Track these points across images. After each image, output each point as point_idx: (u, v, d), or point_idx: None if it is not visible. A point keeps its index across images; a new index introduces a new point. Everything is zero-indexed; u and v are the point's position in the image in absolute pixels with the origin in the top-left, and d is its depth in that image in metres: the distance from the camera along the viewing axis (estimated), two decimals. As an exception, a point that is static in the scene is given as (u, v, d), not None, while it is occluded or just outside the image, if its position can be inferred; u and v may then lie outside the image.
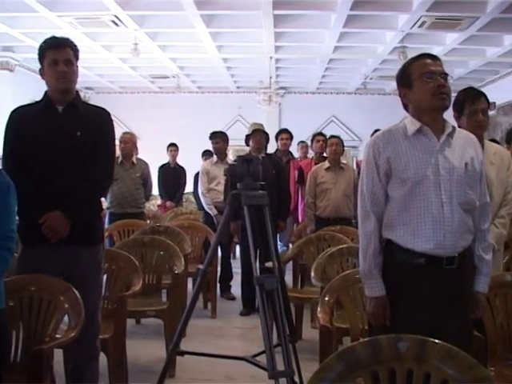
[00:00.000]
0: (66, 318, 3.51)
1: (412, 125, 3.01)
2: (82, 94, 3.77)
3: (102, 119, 3.83)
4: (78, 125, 3.69)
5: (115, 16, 11.22)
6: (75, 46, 3.78)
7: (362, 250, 3.08)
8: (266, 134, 7.37)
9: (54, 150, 3.61)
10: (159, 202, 11.92)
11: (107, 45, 13.39)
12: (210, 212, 8.31)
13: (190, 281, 6.89)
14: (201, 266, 3.60)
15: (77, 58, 3.76)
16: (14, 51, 14.25)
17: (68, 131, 3.66)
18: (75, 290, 3.47)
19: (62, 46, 3.70)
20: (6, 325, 2.98)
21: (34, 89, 14.43)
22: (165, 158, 11.72)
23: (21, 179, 3.14)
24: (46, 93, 3.79)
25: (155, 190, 9.72)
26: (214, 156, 8.73)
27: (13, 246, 2.85)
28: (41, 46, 3.75)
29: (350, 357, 2.14)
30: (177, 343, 3.38)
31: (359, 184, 3.15)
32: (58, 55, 3.66)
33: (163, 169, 11.36)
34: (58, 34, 11.40)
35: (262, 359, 3.37)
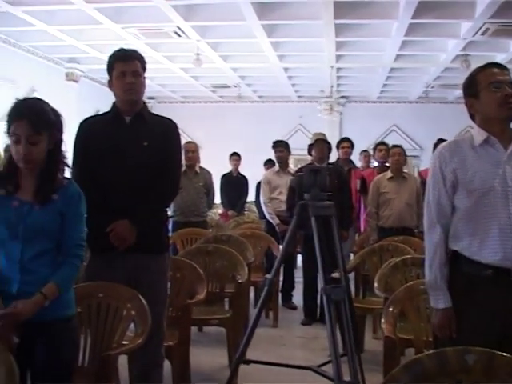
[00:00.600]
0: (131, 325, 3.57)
1: (479, 135, 2.97)
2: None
3: (168, 129, 3.88)
4: (145, 135, 3.75)
5: (178, 27, 11.37)
6: (143, 57, 3.84)
7: (427, 261, 3.05)
8: (329, 144, 7.35)
9: (121, 159, 3.68)
10: (221, 210, 12.00)
11: (169, 55, 13.58)
12: (271, 221, 8.33)
13: (251, 290, 6.91)
14: (268, 276, 3.61)
15: (144, 69, 3.82)
16: (79, 62, 14.58)
17: (135, 141, 3.72)
18: (142, 298, 3.51)
19: (130, 58, 3.77)
20: (76, 330, 3.04)
21: (97, 99, 14.89)
22: (226, 167, 11.79)
23: (89, 188, 3.19)
24: (114, 104, 3.86)
25: (217, 199, 9.79)
26: (276, 165, 8.75)
27: (83, 254, 2.90)
28: (109, 58, 3.83)
29: (416, 368, 2.12)
30: (243, 352, 3.39)
31: (425, 195, 3.12)
32: (126, 67, 3.72)
33: (225, 178, 11.42)
34: (122, 45, 11.63)
35: (327, 369, 3.37)
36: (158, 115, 3.99)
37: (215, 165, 9.71)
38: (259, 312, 3.55)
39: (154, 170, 3.71)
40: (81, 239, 2.89)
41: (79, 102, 14.22)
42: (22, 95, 10.59)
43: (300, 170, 6.89)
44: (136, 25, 11.42)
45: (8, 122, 2.79)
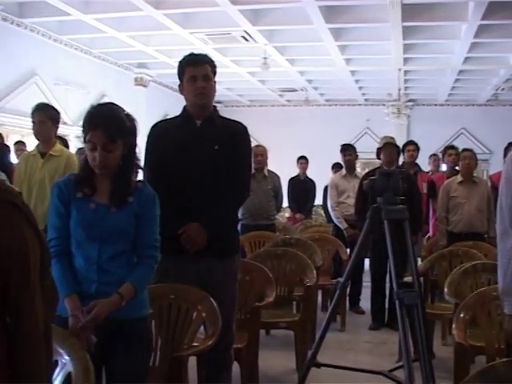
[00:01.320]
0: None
1: None
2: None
3: (238, 133, 3.91)
4: (216, 138, 3.78)
5: (245, 31, 11.44)
6: (213, 62, 3.89)
7: (500, 267, 2.97)
8: (398, 148, 7.28)
9: (192, 162, 3.72)
10: (288, 214, 12.01)
11: (237, 59, 13.67)
12: (339, 225, 8.30)
13: (319, 293, 6.90)
14: (340, 279, 3.61)
15: (214, 73, 3.86)
16: (147, 68, 14.81)
17: (206, 145, 3.76)
18: (212, 300, 3.55)
19: (201, 63, 3.81)
20: (150, 330, 3.10)
21: (165, 103, 15.14)
22: (293, 171, 11.79)
23: (161, 191, 3.24)
24: (184, 108, 3.91)
25: (285, 203, 9.80)
26: (343, 169, 8.72)
27: (157, 255, 2.95)
28: (180, 63, 3.88)
29: (491, 376, 2.08)
30: (314, 355, 3.39)
31: (498, 200, 3.05)
32: (196, 71, 3.77)
33: (293, 181, 11.42)
34: (190, 50, 11.76)
35: (397, 374, 3.34)
36: (228, 119, 4.02)
37: (283, 168, 9.73)
38: (330, 315, 3.55)
39: (224, 173, 3.74)
40: (156, 240, 2.94)
41: (148, 106, 14.45)
42: (93, 101, 10.92)
43: (370, 173, 6.83)
44: (204, 30, 11.55)
45: (84, 129, 2.85)
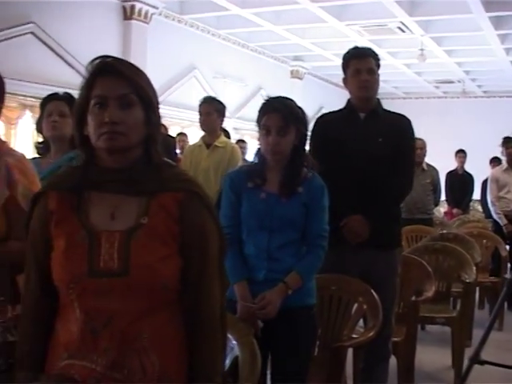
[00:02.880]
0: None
1: None
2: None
3: (402, 126, 3.90)
4: (380, 131, 3.79)
5: (401, 22, 11.31)
6: (377, 55, 3.90)
7: None
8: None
9: (356, 155, 3.75)
10: (445, 208, 11.77)
11: (393, 51, 13.52)
12: (499, 221, 8.05)
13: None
14: (507, 276, 3.52)
15: (378, 66, 3.87)
16: (303, 60, 14.95)
17: (370, 137, 3.78)
18: (373, 292, 3.56)
19: (365, 56, 3.84)
20: (316, 319, 3.16)
21: (321, 95, 15.23)
22: (450, 164, 11.53)
23: (325, 182, 3.29)
24: (348, 100, 3.95)
25: (442, 197, 9.62)
26: (504, 163, 8.43)
27: (325, 245, 3.01)
28: (344, 56, 3.92)
29: None
30: (477, 352, 3.34)
31: None
32: (360, 65, 3.80)
33: (451, 175, 11.15)
34: (345, 42, 11.79)
35: None
36: (391, 111, 4.01)
37: (439, 162, 9.54)
38: (497, 313, 3.47)
39: (388, 166, 3.74)
40: (324, 230, 3.00)
41: (304, 98, 14.51)
42: (250, 93, 11.15)
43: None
44: (360, 22, 11.52)
45: (260, 114, 2.99)
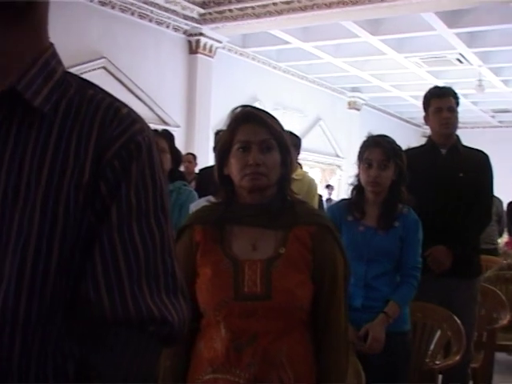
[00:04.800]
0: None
1: None
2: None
3: (481, 161, 4.08)
4: (460, 166, 3.98)
5: (460, 54, 11.47)
6: (456, 94, 4.09)
7: None
8: None
9: (438, 189, 3.93)
10: (507, 238, 11.76)
11: (450, 82, 13.55)
12: None
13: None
14: None
15: (457, 104, 4.07)
16: (361, 91, 15.18)
17: (451, 172, 3.96)
18: (456, 319, 3.72)
19: (446, 95, 4.04)
20: (410, 344, 3.34)
21: (378, 126, 15.38)
22: (508, 194, 11.54)
23: None
24: (429, 137, 4.15)
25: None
26: None
27: (419, 276, 3.20)
28: (426, 95, 4.11)
29: None
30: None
31: None
32: (441, 103, 3.99)
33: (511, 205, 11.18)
34: (404, 73, 11.93)
35: None
36: (470, 147, 4.19)
37: (499, 192, 9.62)
38: None
39: (468, 199, 3.93)
40: (418, 262, 3.20)
41: (361, 129, 14.77)
42: (309, 124, 11.37)
43: None
44: (418, 54, 11.72)
45: (362, 150, 3.23)
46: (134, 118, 1.10)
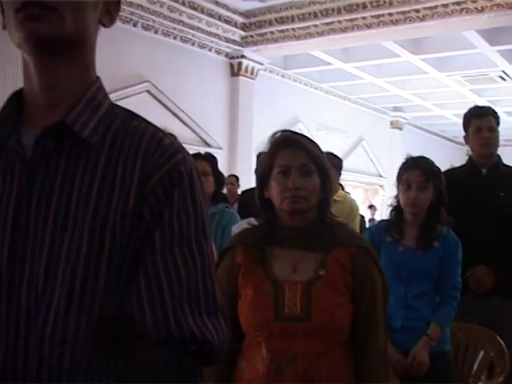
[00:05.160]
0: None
1: None
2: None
3: None
4: (502, 186, 3.97)
5: (502, 71, 11.40)
6: (496, 113, 4.09)
7: None
8: None
9: (479, 209, 3.93)
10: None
11: (493, 99, 13.55)
12: None
13: None
14: None
15: (498, 124, 4.07)
16: (403, 111, 15.16)
17: (492, 192, 3.96)
18: (499, 339, 3.70)
19: (486, 115, 4.04)
20: (452, 363, 3.35)
21: (421, 145, 15.35)
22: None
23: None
24: (469, 157, 4.16)
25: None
26: None
27: (459, 296, 3.22)
28: (465, 115, 4.13)
29: None
30: None
31: None
32: (481, 123, 4.00)
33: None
34: (445, 92, 11.86)
35: None
36: (511, 166, 4.19)
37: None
38: None
39: (510, 219, 3.92)
40: (458, 282, 3.22)
41: (403, 148, 14.73)
42: (351, 144, 11.36)
43: None
44: (460, 72, 11.69)
45: (401, 171, 3.28)
46: (176, 148, 1.17)
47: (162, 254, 1.10)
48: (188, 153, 1.19)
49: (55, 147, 1.12)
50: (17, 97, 1.21)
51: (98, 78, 1.22)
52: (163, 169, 1.13)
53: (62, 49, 1.12)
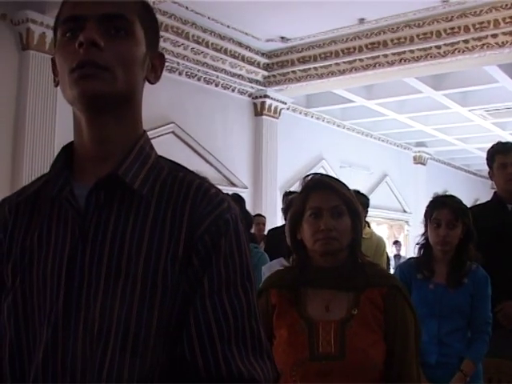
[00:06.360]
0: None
1: None
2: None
3: None
4: None
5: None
6: None
7: None
8: None
9: (507, 244, 3.94)
10: None
11: (516, 133, 13.60)
12: None
13: None
14: None
15: None
16: (426, 146, 15.19)
17: None
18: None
19: (510, 150, 4.06)
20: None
21: (445, 180, 15.33)
22: None
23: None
24: (495, 193, 4.18)
25: None
26: None
27: (490, 331, 3.24)
28: (489, 151, 4.16)
29: None
30: None
31: None
32: (506, 159, 4.02)
33: None
34: (468, 126, 11.86)
35: None
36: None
37: None
38: None
39: None
40: (489, 317, 3.25)
41: (427, 183, 14.74)
42: (375, 180, 11.36)
43: None
44: (483, 106, 11.72)
45: (430, 209, 3.33)
46: (221, 198, 1.23)
47: (211, 297, 1.16)
48: (232, 201, 1.26)
49: (107, 198, 1.19)
50: (65, 151, 1.28)
51: (144, 131, 1.30)
52: (210, 217, 1.18)
53: (111, 106, 1.20)
